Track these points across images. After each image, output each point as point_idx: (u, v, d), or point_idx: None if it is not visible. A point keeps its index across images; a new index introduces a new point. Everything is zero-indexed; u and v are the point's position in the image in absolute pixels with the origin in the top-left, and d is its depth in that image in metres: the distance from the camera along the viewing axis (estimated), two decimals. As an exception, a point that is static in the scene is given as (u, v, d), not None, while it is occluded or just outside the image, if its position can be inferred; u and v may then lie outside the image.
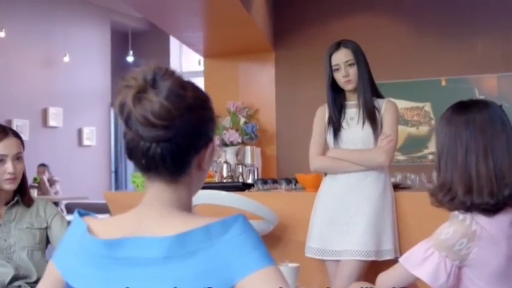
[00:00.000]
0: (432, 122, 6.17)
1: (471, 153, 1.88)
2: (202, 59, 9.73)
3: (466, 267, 1.86)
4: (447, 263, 1.83)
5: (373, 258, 2.98)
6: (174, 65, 11.07)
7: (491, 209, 1.84)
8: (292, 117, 6.62)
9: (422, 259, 1.86)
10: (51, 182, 8.79)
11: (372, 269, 3.03)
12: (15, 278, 2.47)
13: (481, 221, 1.84)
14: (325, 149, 3.21)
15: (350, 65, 3.05)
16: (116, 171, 11.03)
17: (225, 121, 5.89)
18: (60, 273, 1.27)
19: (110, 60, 10.51)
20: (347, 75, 3.05)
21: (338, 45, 3.10)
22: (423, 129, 6.21)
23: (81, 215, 1.29)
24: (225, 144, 5.52)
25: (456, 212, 1.88)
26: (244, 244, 1.12)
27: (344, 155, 3.07)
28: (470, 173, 1.87)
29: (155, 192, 1.24)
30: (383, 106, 3.10)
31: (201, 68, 10.24)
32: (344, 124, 3.12)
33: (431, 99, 6.20)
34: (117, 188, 10.96)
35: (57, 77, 9.45)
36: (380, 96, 3.16)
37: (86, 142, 10.00)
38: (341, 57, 3.06)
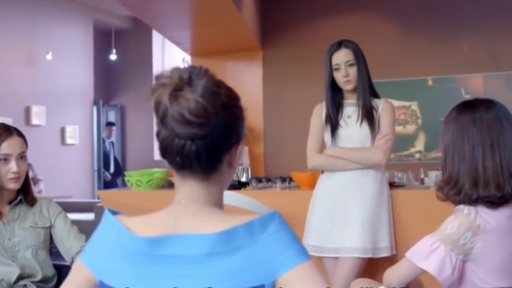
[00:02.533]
0: (419, 120, 6.25)
1: (478, 148, 1.94)
2: (186, 57, 9.73)
3: (470, 262, 1.91)
4: (452, 256, 1.88)
5: (370, 256, 3.02)
6: (157, 63, 11.05)
7: (496, 202, 1.90)
8: (280, 116, 6.66)
9: (428, 252, 1.91)
10: (35, 181, 8.69)
11: (369, 266, 3.08)
12: (20, 277, 2.46)
13: (485, 215, 1.89)
14: (322, 146, 3.23)
15: (350, 65, 3.08)
16: (99, 170, 10.96)
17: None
18: (92, 273, 1.27)
19: (93, 58, 10.44)
20: (347, 75, 3.07)
21: (338, 45, 3.12)
22: (410, 128, 6.28)
23: (112, 214, 1.30)
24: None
25: (461, 206, 1.93)
26: (283, 240, 1.16)
27: (341, 153, 3.10)
28: (476, 166, 1.93)
29: (189, 190, 1.25)
30: (380, 106, 3.13)
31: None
32: (341, 122, 3.14)
33: (418, 98, 6.28)
34: (100, 187, 10.88)
35: (40, 75, 9.35)
36: (376, 96, 3.19)
37: (69, 141, 9.89)
38: (342, 57, 3.08)
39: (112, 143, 10.51)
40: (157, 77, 1.23)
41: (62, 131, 9.83)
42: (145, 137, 10.62)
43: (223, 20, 5.31)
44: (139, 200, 3.94)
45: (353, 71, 3.08)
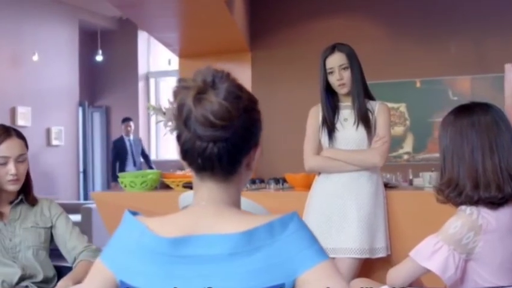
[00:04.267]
0: (407, 122, 6.31)
1: (477, 151, 1.98)
2: (172, 58, 9.71)
3: (473, 261, 1.95)
4: (455, 256, 1.92)
5: (367, 256, 3.05)
6: (142, 64, 11.01)
7: (497, 202, 1.94)
8: (269, 117, 6.56)
9: (431, 252, 1.94)
10: (21, 182, 8.62)
11: (364, 266, 3.11)
12: (22, 278, 2.44)
13: (486, 215, 1.93)
14: (319, 148, 3.25)
15: (344, 68, 3.09)
16: (84, 171, 10.90)
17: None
18: (112, 273, 1.28)
19: (79, 59, 10.37)
20: (341, 79, 3.09)
21: (332, 49, 3.13)
22: (399, 130, 6.33)
23: (132, 214, 1.31)
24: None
25: (463, 207, 1.97)
26: (302, 240, 1.19)
27: (339, 155, 3.11)
28: (477, 168, 1.97)
29: (208, 192, 1.27)
30: (376, 108, 3.15)
31: (171, 67, 10.24)
32: (338, 125, 3.16)
33: (406, 100, 6.33)
34: (85, 188, 10.82)
35: (26, 76, 9.27)
36: (371, 98, 3.22)
37: (54, 142, 9.82)
38: (335, 60, 3.10)
39: (133, 140, 9.54)
40: (180, 80, 1.24)
41: (48, 132, 9.75)
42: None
43: (214, 22, 5.33)
44: (132, 201, 3.94)
45: (346, 75, 3.09)
